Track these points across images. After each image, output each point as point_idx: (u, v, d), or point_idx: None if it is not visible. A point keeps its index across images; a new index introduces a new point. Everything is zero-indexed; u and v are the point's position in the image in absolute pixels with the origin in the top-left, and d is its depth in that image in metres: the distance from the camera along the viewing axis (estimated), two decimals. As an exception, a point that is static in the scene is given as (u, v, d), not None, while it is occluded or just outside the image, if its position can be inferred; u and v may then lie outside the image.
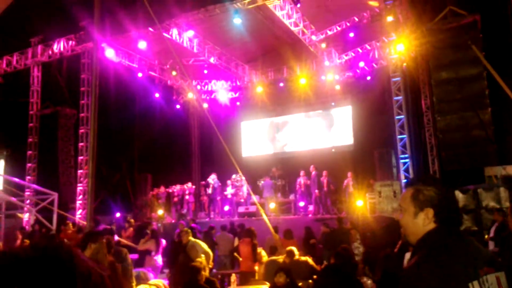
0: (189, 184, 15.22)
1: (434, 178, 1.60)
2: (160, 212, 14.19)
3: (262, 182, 14.35)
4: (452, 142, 11.81)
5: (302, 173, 13.88)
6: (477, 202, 10.05)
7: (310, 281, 6.06)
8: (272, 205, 13.53)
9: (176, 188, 14.93)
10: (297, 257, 6.48)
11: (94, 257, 3.42)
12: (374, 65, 15.85)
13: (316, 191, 13.29)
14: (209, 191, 14.46)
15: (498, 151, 11.65)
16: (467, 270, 1.38)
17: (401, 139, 13.53)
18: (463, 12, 12.06)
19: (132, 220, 10.86)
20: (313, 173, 13.56)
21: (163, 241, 8.85)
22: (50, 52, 14.70)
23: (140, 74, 15.91)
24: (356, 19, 14.31)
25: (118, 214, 13.36)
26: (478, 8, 12.06)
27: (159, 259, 8.26)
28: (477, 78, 11.65)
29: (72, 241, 8.52)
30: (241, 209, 13.99)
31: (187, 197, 14.81)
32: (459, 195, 10.16)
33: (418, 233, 1.53)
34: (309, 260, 6.54)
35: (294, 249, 6.60)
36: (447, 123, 11.99)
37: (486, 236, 7.94)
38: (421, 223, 1.52)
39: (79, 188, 13.76)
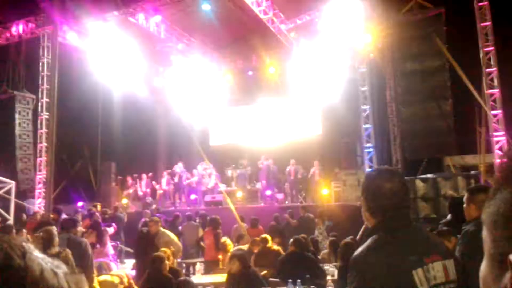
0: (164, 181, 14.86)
1: (374, 169, 1.69)
2: (125, 201, 13.91)
3: (238, 171, 14.45)
4: (414, 132, 12.16)
5: (270, 161, 13.94)
6: (436, 190, 10.40)
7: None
8: (239, 194, 13.55)
9: (143, 185, 14.65)
10: (269, 244, 6.49)
11: None
12: (342, 55, 15.96)
13: (264, 181, 13.58)
14: (175, 179, 14.28)
15: (458, 142, 12.09)
16: (411, 258, 1.42)
17: (366, 129, 13.79)
18: (429, 5, 12.34)
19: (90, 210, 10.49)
20: (265, 163, 13.74)
21: (109, 230, 8.51)
22: (8, 35, 13.96)
23: (104, 59, 15.37)
24: (325, 9, 14.31)
25: (80, 203, 12.98)
26: (443, 1, 12.38)
27: (110, 250, 8.01)
28: (439, 70, 11.99)
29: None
30: (207, 198, 13.91)
31: (159, 187, 14.59)
32: (419, 183, 10.48)
33: (365, 219, 1.64)
34: (281, 250, 6.56)
35: (268, 237, 6.59)
36: (410, 113, 12.32)
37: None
38: (362, 210, 1.63)
39: (39, 176, 13.25)
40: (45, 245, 3.87)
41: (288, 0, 13.76)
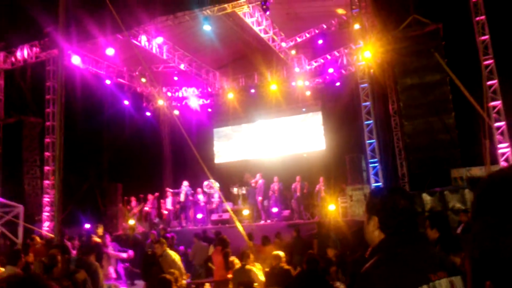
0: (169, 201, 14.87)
1: (386, 188, 1.69)
2: (132, 222, 13.89)
3: (244, 189, 14.46)
4: (419, 145, 12.21)
5: (275, 179, 13.95)
6: (444, 203, 10.38)
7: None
8: (245, 212, 13.52)
9: (148, 205, 14.65)
10: (282, 263, 6.40)
11: None
12: (343, 71, 16.15)
13: (260, 198, 13.60)
14: (181, 198, 14.27)
15: (462, 154, 12.10)
16: (415, 275, 1.44)
17: (370, 143, 13.81)
18: (426, 21, 12.52)
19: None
20: (260, 181, 13.73)
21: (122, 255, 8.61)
22: (13, 59, 14.20)
23: (108, 81, 15.60)
24: (325, 26, 14.55)
25: (87, 225, 12.99)
26: (441, 17, 12.56)
27: (111, 273, 8.00)
28: (440, 84, 12.10)
29: (41, 255, 8.21)
30: (214, 217, 13.88)
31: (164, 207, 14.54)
32: (426, 197, 10.47)
33: (370, 239, 1.65)
34: (292, 270, 6.47)
35: (281, 253, 6.48)
36: (413, 127, 12.39)
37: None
38: (371, 229, 1.64)
39: (46, 199, 13.30)
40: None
41: (288, 19, 13.98)
